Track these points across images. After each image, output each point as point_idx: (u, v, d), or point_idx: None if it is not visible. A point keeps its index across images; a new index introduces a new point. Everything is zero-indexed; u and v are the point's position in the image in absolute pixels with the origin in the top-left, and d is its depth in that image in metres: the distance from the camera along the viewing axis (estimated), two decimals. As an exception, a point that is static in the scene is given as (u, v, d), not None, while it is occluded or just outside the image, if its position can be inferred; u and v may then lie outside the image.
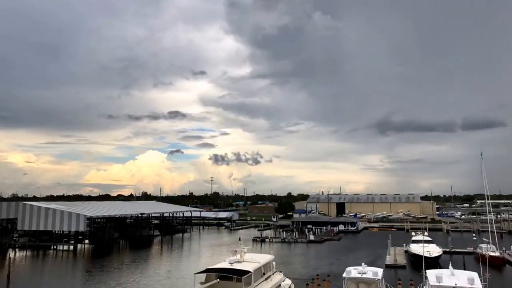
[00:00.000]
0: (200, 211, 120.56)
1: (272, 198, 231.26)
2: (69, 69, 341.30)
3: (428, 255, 42.47)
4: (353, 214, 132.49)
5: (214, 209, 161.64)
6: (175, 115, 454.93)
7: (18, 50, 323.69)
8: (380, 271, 27.18)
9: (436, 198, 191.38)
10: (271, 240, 75.99)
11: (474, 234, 62.20)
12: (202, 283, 22.91)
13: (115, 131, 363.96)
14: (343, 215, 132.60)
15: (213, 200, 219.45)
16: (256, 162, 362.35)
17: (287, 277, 30.95)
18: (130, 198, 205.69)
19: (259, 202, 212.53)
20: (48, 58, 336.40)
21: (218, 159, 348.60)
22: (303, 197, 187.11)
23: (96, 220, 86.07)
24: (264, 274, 25.83)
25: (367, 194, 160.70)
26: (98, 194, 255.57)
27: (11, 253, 59.46)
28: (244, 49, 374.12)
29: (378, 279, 26.02)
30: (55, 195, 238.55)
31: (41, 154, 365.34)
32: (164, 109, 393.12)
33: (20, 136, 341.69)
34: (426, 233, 57.84)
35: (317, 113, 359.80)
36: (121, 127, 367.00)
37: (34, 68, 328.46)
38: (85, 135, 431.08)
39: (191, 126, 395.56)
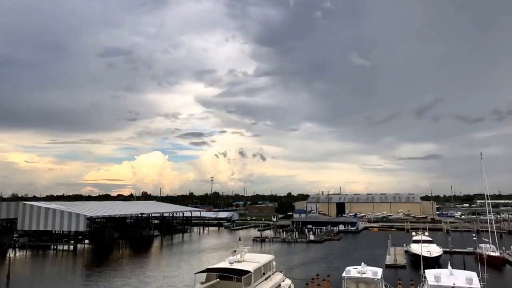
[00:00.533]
0: (200, 211, 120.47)
1: (272, 198, 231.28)
2: (72, 69, 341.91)
3: (428, 255, 42.55)
4: (353, 214, 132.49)
5: (214, 209, 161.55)
6: (176, 115, 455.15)
7: (20, 50, 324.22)
8: (379, 271, 27.27)
9: (436, 198, 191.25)
10: (271, 240, 76.11)
11: (474, 234, 62.18)
12: (202, 283, 22.98)
13: (117, 131, 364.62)
14: (343, 215, 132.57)
15: (213, 200, 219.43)
16: (257, 162, 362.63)
17: (287, 277, 30.99)
18: (130, 198, 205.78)
19: (259, 202, 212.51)
20: (51, 57, 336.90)
21: (218, 159, 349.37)
22: (303, 197, 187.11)
23: (96, 220, 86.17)
24: (264, 274, 25.88)
25: (367, 194, 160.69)
26: (98, 194, 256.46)
27: (11, 253, 59.44)
28: (246, 47, 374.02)
29: (378, 279, 26.10)
30: (55, 195, 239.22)
31: (42, 154, 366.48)
32: (166, 109, 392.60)
33: (22, 137, 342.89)
34: (426, 233, 57.87)
35: (318, 113, 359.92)
36: (123, 127, 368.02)
37: (36, 68, 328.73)
38: (87, 135, 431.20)
39: (192, 126, 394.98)
